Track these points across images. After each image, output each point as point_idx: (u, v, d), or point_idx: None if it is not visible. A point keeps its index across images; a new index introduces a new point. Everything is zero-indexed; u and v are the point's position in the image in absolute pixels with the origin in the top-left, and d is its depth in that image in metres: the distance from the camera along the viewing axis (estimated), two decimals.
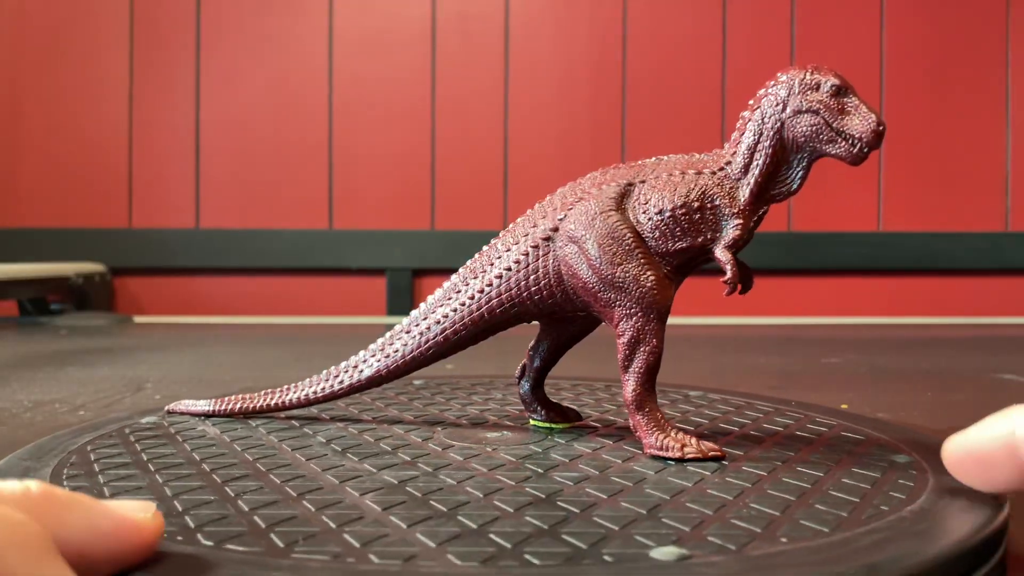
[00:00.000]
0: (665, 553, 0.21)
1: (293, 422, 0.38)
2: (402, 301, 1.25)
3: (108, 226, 1.26)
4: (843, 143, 0.32)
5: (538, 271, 0.33)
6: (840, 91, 0.33)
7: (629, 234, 0.32)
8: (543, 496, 0.26)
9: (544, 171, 1.27)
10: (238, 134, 1.27)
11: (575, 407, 0.39)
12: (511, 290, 0.34)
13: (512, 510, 0.24)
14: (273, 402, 0.38)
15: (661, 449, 0.31)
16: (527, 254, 0.34)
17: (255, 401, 0.38)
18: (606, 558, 0.21)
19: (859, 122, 0.32)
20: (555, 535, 0.22)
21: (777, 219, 1.29)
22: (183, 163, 1.27)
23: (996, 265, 1.28)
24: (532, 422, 0.37)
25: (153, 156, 1.27)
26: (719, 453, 0.30)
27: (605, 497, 0.26)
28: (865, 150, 0.31)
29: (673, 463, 0.30)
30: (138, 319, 1.22)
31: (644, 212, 0.32)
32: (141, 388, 0.58)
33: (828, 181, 1.29)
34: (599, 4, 1.28)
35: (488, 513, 0.24)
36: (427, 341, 0.36)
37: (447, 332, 0.35)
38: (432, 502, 0.25)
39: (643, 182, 0.33)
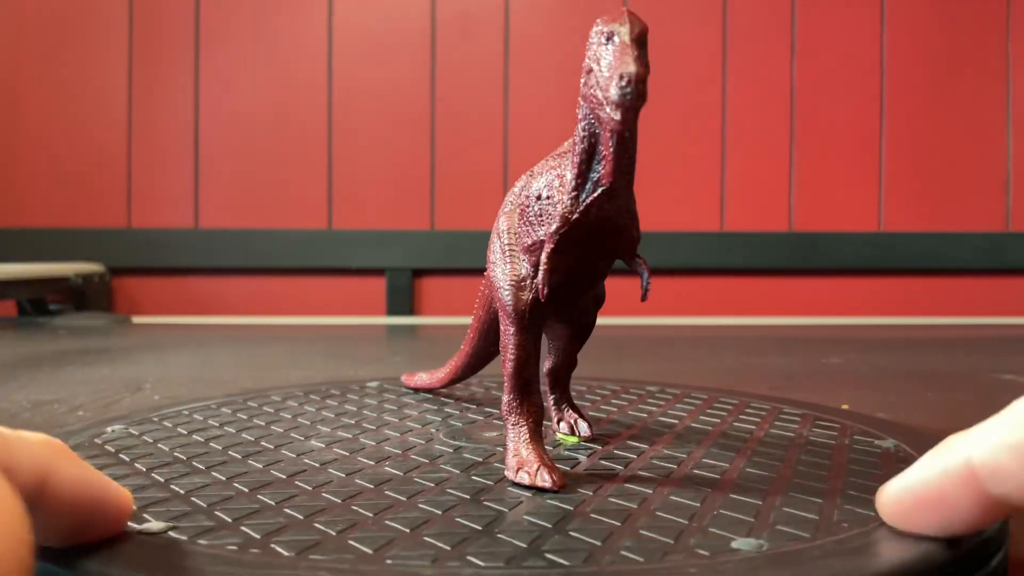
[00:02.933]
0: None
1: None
2: (402, 301, 1.25)
3: (107, 226, 1.26)
4: (603, 107, 0.25)
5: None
6: (610, 38, 0.25)
7: (506, 232, 0.29)
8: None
9: None
10: (237, 134, 1.27)
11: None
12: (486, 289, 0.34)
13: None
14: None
15: (510, 470, 0.27)
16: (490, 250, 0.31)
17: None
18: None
19: (607, 76, 0.24)
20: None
21: (777, 219, 1.29)
22: (182, 163, 1.27)
23: (997, 265, 1.28)
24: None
25: (152, 156, 1.27)
26: (552, 486, 0.26)
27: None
28: (615, 116, 0.24)
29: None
30: (137, 319, 1.22)
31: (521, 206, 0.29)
32: (140, 388, 0.58)
33: (828, 181, 1.29)
34: (599, 4, 1.27)
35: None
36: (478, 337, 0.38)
37: (476, 330, 0.37)
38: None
39: (530, 175, 0.30)
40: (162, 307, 1.27)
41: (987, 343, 0.99)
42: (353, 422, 0.37)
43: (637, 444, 0.33)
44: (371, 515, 0.24)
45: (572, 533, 0.22)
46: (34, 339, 0.95)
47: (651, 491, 0.26)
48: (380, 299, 1.27)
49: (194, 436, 0.34)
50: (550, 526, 0.23)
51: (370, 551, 0.21)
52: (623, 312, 1.27)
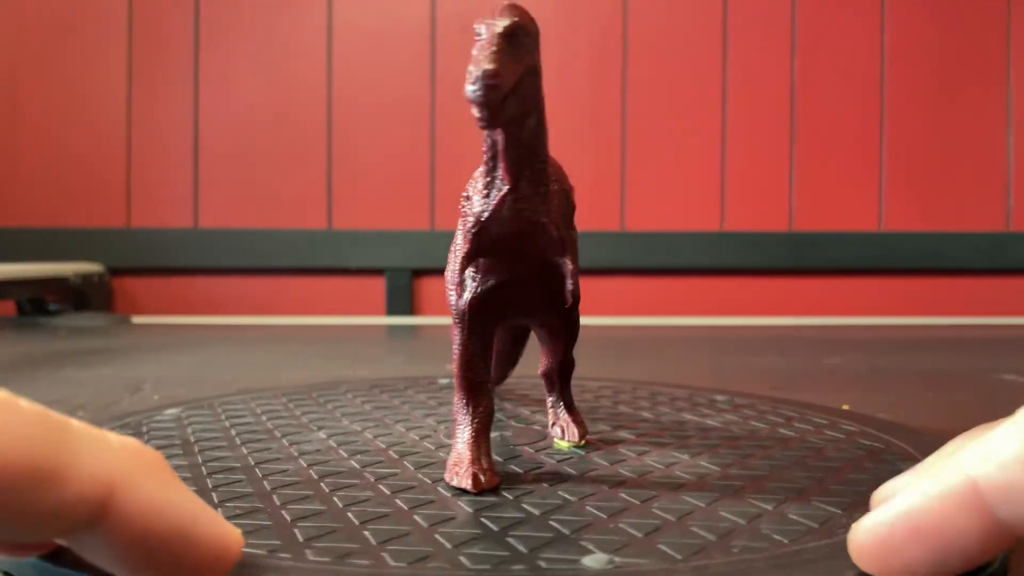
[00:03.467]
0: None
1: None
2: (401, 301, 1.25)
3: (106, 226, 1.26)
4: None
5: None
6: (477, 36, 0.24)
7: (459, 233, 0.29)
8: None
9: None
10: (237, 133, 1.27)
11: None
12: None
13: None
14: None
15: (447, 470, 0.27)
16: None
17: None
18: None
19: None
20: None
21: (778, 219, 1.29)
22: (182, 163, 1.27)
23: (998, 265, 1.28)
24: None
25: (152, 156, 1.27)
26: (470, 489, 0.26)
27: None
28: (474, 113, 0.24)
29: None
30: (136, 319, 1.22)
31: None
32: (140, 388, 0.58)
33: (828, 180, 1.29)
34: (599, 4, 1.27)
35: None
36: None
37: None
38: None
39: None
40: (162, 307, 1.26)
41: (987, 343, 0.99)
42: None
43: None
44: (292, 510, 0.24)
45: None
46: (33, 339, 0.95)
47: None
48: (380, 299, 1.27)
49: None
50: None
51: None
52: (623, 312, 1.27)
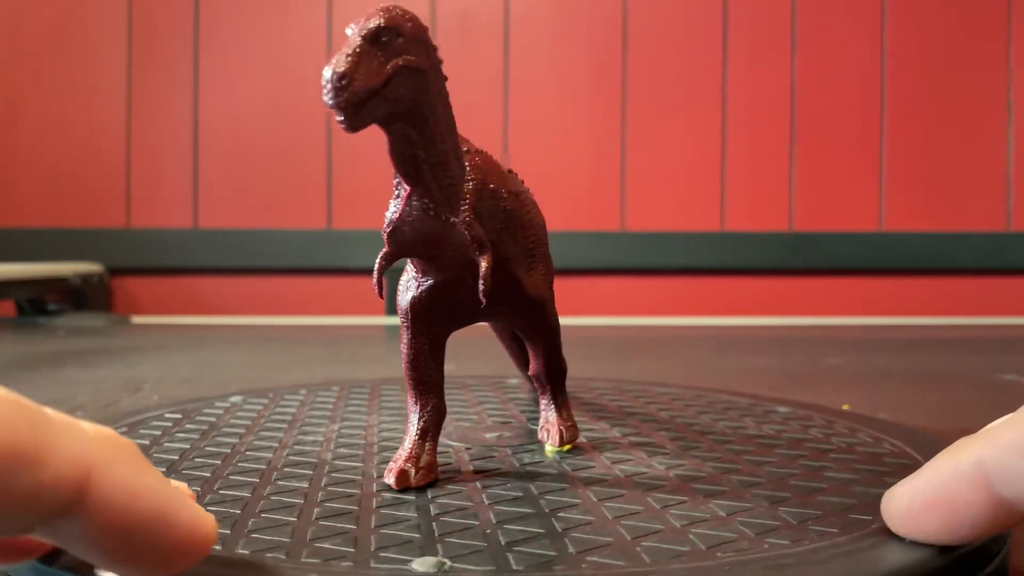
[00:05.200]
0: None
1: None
2: None
3: (106, 226, 1.26)
4: None
5: None
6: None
7: None
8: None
9: (544, 170, 1.27)
10: (236, 133, 1.27)
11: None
12: None
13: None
14: None
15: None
16: None
17: None
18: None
19: None
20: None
21: (778, 219, 1.29)
22: (181, 163, 1.27)
23: (998, 265, 1.28)
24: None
25: (151, 156, 1.27)
26: (393, 485, 0.26)
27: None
28: (335, 118, 0.24)
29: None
30: (136, 319, 1.22)
31: None
32: (139, 389, 0.58)
33: (828, 180, 1.29)
34: (599, 4, 1.27)
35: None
36: None
37: None
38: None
39: None
40: (161, 307, 1.26)
41: (987, 343, 0.99)
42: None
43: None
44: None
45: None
46: (33, 339, 0.95)
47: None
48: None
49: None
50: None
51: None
52: (623, 312, 1.27)
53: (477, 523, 0.23)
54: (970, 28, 1.29)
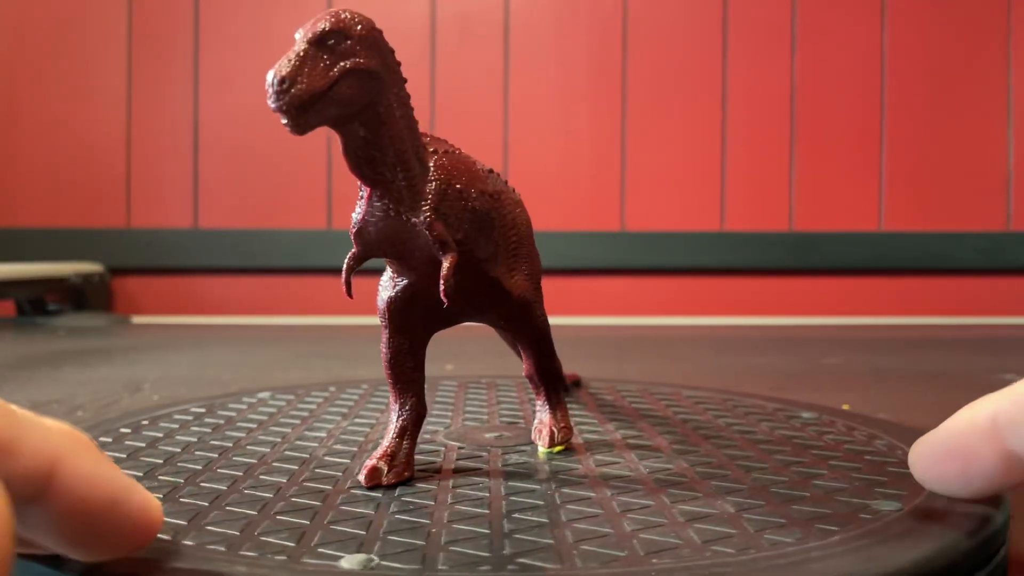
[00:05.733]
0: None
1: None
2: None
3: (106, 226, 1.26)
4: None
5: None
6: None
7: None
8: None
9: (544, 170, 1.27)
10: (236, 133, 1.27)
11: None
12: None
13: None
14: None
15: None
16: None
17: None
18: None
19: None
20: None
21: (778, 219, 1.29)
22: (181, 163, 1.27)
23: (997, 265, 1.28)
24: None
25: (151, 155, 1.27)
26: (363, 482, 0.27)
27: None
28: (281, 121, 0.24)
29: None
30: (136, 319, 1.22)
31: None
32: (139, 389, 0.58)
33: (828, 180, 1.29)
34: (599, 4, 1.27)
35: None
36: None
37: None
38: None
39: None
40: (161, 307, 1.26)
41: (987, 343, 0.99)
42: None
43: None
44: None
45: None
46: (33, 339, 0.95)
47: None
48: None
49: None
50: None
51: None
52: (623, 312, 1.27)
53: (428, 522, 0.23)
54: (970, 28, 1.29)
